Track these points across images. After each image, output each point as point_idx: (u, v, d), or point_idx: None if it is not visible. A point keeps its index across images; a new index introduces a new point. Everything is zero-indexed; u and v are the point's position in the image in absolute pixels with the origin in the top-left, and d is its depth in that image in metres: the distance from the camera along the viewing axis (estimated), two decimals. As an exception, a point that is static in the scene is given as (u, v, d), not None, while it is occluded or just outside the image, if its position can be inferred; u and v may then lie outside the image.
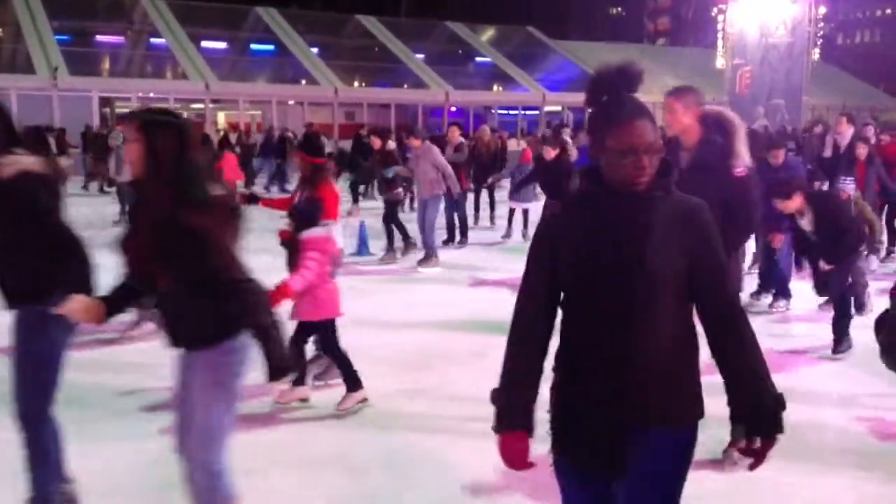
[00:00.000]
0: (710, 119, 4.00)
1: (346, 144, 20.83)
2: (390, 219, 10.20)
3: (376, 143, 11.09)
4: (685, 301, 2.13)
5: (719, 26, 35.08)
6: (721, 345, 2.12)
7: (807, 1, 33.82)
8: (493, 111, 33.78)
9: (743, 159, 3.98)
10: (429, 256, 9.76)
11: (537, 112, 34.56)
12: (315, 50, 32.18)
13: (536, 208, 11.10)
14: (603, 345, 2.09)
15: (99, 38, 30.79)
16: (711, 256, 2.12)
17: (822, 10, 34.48)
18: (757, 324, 6.84)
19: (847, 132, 9.69)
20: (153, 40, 30.73)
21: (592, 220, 2.12)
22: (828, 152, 10.64)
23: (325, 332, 4.89)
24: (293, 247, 4.69)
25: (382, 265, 9.93)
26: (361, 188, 16.76)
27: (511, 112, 35.32)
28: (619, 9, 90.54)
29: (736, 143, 3.99)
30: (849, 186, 7.41)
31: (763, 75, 33.85)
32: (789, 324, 7.17)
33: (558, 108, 32.88)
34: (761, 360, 2.12)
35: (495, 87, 34.53)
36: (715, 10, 35.20)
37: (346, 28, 35.52)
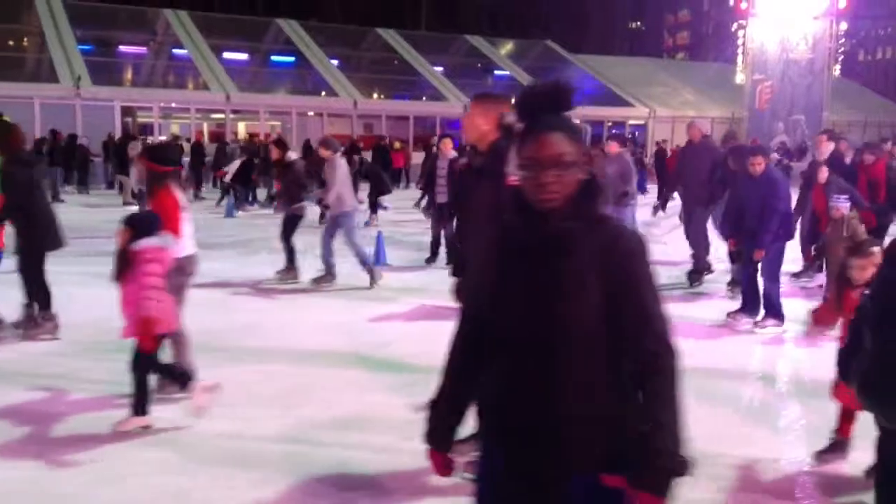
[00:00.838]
0: (511, 128, 3.67)
1: (366, 156, 20.89)
2: (285, 234, 9.28)
3: (275, 153, 9.97)
4: (616, 340, 1.91)
5: (739, 41, 35.06)
6: (644, 390, 1.92)
7: (828, 17, 33.76)
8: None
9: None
10: (328, 273, 8.89)
11: (555, 126, 34.49)
12: (335, 62, 32.44)
13: None
14: (521, 386, 1.93)
15: (122, 48, 31.22)
16: (633, 294, 1.89)
17: (844, 25, 34.40)
18: (742, 345, 6.61)
19: (826, 150, 9.32)
20: (175, 51, 31.11)
21: (509, 246, 1.96)
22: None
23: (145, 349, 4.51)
24: (124, 258, 4.45)
25: (282, 283, 9.07)
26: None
27: (529, 126, 35.31)
28: (639, 23, 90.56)
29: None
30: (842, 204, 7.13)
31: (783, 90, 33.76)
32: (781, 346, 6.65)
33: (576, 122, 32.85)
34: (677, 416, 1.90)
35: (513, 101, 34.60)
36: (735, 25, 35.21)
37: (366, 41, 35.81)
